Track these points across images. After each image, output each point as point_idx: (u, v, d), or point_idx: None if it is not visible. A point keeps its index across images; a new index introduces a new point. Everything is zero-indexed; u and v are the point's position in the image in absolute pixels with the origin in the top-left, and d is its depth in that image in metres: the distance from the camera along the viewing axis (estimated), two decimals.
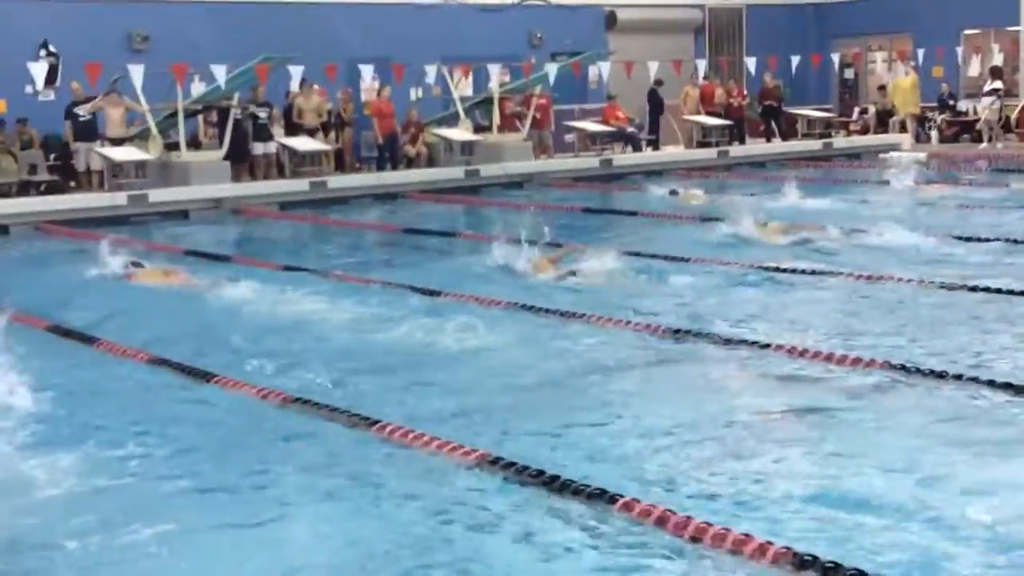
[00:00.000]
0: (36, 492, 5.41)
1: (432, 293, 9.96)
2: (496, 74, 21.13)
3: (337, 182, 18.88)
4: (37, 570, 4.60)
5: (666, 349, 7.81)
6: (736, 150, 23.47)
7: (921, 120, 25.28)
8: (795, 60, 24.01)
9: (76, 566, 4.63)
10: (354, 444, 5.95)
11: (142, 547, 4.75)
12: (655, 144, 23.89)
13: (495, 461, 5.42)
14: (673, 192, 17.19)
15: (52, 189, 17.96)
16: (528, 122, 21.59)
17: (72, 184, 18.42)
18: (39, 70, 17.77)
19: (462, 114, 20.98)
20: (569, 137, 23.31)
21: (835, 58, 25.91)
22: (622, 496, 4.92)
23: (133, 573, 4.56)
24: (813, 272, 10.30)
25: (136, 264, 11.63)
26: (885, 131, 25.24)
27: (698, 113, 23.95)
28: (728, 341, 7.79)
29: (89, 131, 18.06)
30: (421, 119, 21.18)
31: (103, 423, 6.56)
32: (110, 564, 4.62)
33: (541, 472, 5.23)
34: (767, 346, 7.60)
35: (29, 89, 18.39)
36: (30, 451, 5.97)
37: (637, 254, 11.62)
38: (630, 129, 23.44)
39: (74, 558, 4.70)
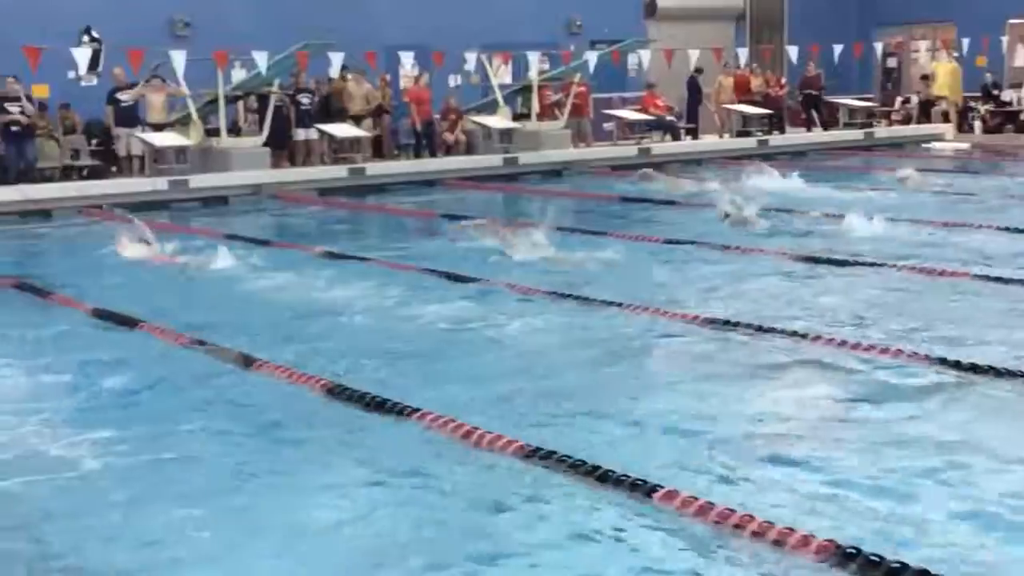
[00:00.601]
0: (78, 470, 5.46)
1: (467, 280, 9.98)
2: (535, 62, 21.09)
3: (375, 169, 18.92)
4: (77, 547, 4.63)
5: (704, 338, 7.75)
6: (776, 139, 23.30)
7: (964, 110, 25.00)
8: (837, 49, 23.78)
9: (112, 544, 4.66)
10: (392, 431, 5.95)
11: (177, 527, 4.79)
12: (694, 133, 23.77)
13: (534, 451, 5.41)
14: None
15: (94, 174, 18.10)
16: (567, 110, 21.54)
17: (113, 169, 18.55)
18: (82, 56, 17.87)
19: (501, 102, 20.95)
20: (608, 125, 23.24)
21: (878, 47, 25.66)
22: (661, 486, 4.90)
23: (165, 553, 4.58)
24: (872, 263, 10.21)
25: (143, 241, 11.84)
26: (928, 121, 24.99)
27: (732, 102, 23.80)
28: (765, 330, 7.74)
29: (130, 117, 18.19)
30: (460, 106, 21.17)
31: (143, 404, 6.62)
32: (144, 543, 4.65)
33: (581, 462, 5.21)
34: (805, 336, 7.54)
35: (72, 74, 18.51)
36: (72, 429, 6.03)
37: (672, 242, 11.61)
38: (669, 118, 23.33)
39: (111, 535, 4.75)
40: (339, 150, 19.35)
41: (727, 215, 12.92)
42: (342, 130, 19.41)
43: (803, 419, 6.05)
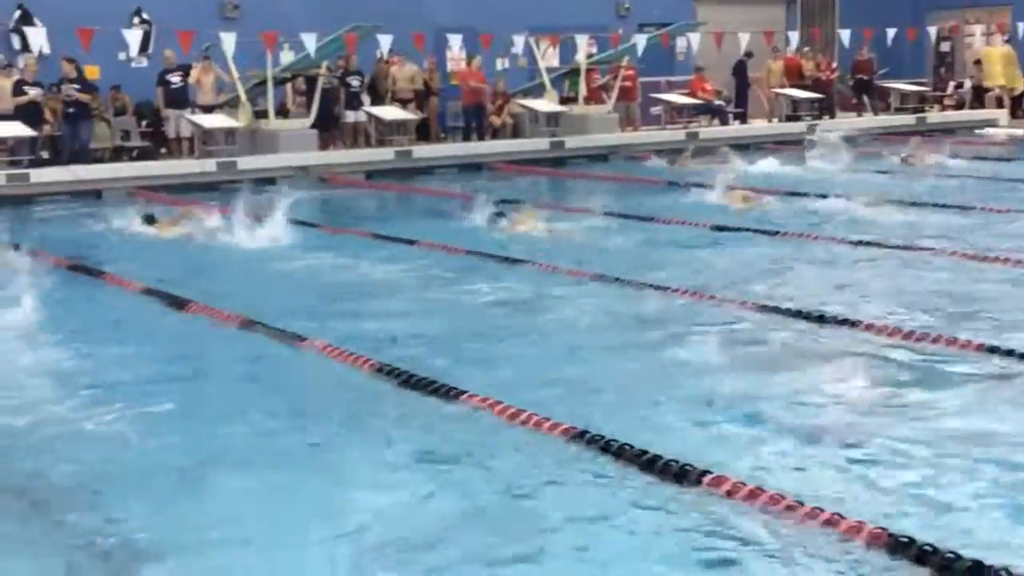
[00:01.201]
0: (130, 444, 5.52)
1: (514, 261, 9.98)
2: (583, 45, 20.98)
3: (422, 152, 18.94)
4: (127, 517, 4.67)
5: (753, 323, 7.70)
6: (825, 124, 23.04)
7: (1020, 96, 24.59)
8: (890, 32, 23.46)
9: (164, 516, 4.71)
10: (439, 412, 5.95)
11: (226, 504, 4.85)
12: (743, 117, 23.57)
13: (581, 435, 5.38)
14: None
15: (143, 155, 18.25)
16: (614, 93, 21.43)
17: (163, 151, 18.69)
18: (133, 37, 18.03)
19: (548, 85, 20.88)
20: (655, 110, 23.11)
21: (931, 31, 25.30)
22: (710, 471, 4.86)
23: (215, 530, 4.60)
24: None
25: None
26: (981, 106, 24.62)
27: (782, 86, 23.56)
28: (825, 318, 7.67)
29: (180, 98, 18.31)
30: (507, 90, 21.12)
31: (194, 381, 6.67)
32: (194, 517, 4.69)
33: (628, 447, 5.18)
34: (857, 324, 7.46)
35: (123, 56, 18.66)
36: (125, 405, 6.11)
37: (719, 228, 11.57)
38: (717, 102, 23.16)
39: (158, 507, 4.80)
40: (385, 132, 19.38)
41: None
42: (389, 112, 19.44)
43: (851, 406, 5.98)
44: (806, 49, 24.48)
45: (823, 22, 27.02)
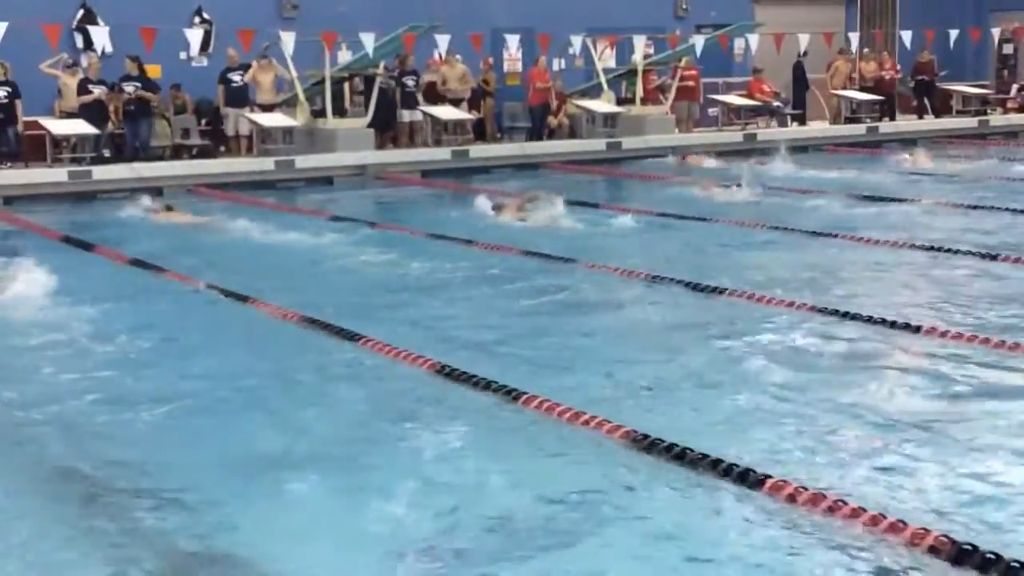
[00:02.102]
0: (196, 446, 5.58)
1: (569, 261, 10.00)
2: (640, 46, 20.91)
3: (479, 151, 18.97)
4: (176, 499, 4.73)
5: (810, 326, 7.62)
6: (886, 126, 22.81)
7: None
8: (952, 34, 23.14)
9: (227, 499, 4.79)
10: (497, 413, 5.95)
11: (287, 497, 4.88)
12: (801, 119, 23.38)
13: (642, 437, 5.36)
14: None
15: (202, 153, 18.44)
16: (672, 94, 21.35)
17: (221, 149, 18.87)
18: (194, 36, 18.23)
19: (605, 86, 20.83)
20: (713, 111, 22.98)
21: (994, 32, 24.94)
22: (770, 476, 4.82)
23: (281, 518, 4.66)
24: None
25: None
26: None
27: (845, 88, 23.34)
28: (869, 320, 7.61)
29: (241, 97, 18.47)
30: (564, 90, 21.11)
31: (250, 377, 6.73)
32: (262, 507, 4.74)
33: (688, 450, 5.16)
34: (908, 326, 7.39)
35: (183, 55, 18.87)
36: (183, 391, 6.22)
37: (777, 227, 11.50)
38: (775, 103, 22.98)
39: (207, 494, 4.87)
40: (442, 132, 19.44)
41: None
42: (446, 112, 19.49)
43: (910, 411, 5.91)
44: (866, 50, 24.23)
45: (883, 23, 26.72)
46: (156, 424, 5.92)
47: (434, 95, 19.93)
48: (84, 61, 17.89)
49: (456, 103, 19.85)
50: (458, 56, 19.91)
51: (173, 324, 8.27)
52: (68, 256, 11.03)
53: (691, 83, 21.69)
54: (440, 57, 19.66)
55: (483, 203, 13.31)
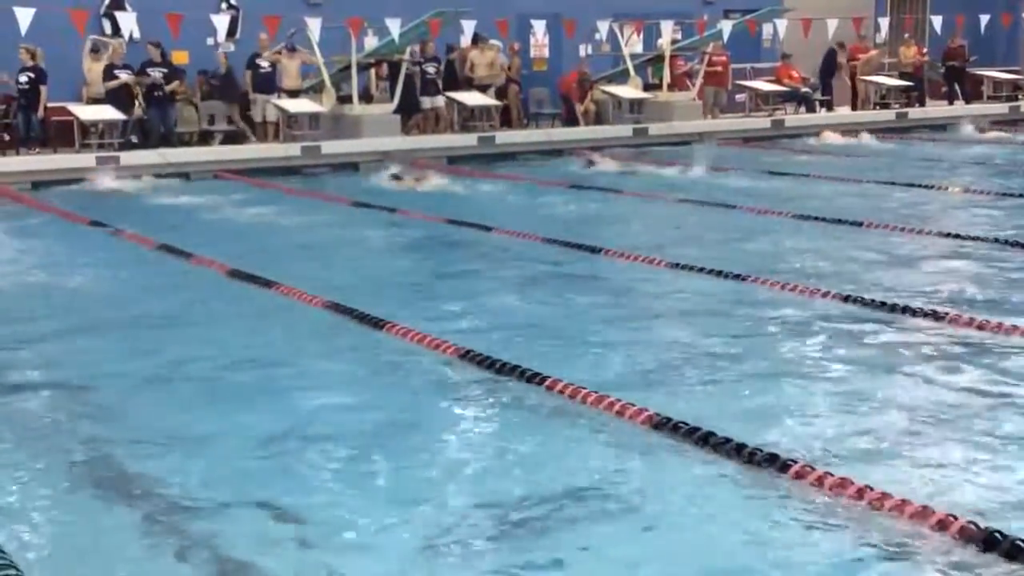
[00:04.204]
0: (220, 442, 5.58)
1: (590, 249, 9.98)
2: (668, 31, 20.79)
3: (505, 137, 18.92)
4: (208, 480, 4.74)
5: (840, 315, 7.57)
6: (915, 112, 22.61)
7: None
8: (984, 19, 22.89)
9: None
10: (521, 397, 5.94)
11: (316, 477, 4.91)
12: (829, 105, 23.20)
13: (665, 421, 5.33)
14: None
15: (229, 139, 18.47)
16: (699, 80, 21.23)
17: (248, 134, 18.89)
18: (221, 23, 18.24)
19: (632, 71, 20.73)
20: (740, 97, 22.84)
21: None
22: (795, 461, 4.79)
23: (315, 495, 4.67)
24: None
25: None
26: None
27: (875, 73, 23.15)
28: (900, 309, 7.54)
29: (269, 83, 18.47)
30: (591, 76, 21.02)
31: (271, 363, 6.74)
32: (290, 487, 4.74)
33: (711, 434, 5.13)
34: (940, 316, 7.32)
35: (211, 41, 18.89)
36: (214, 383, 6.22)
37: (801, 216, 11.42)
38: (804, 89, 22.81)
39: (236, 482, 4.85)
40: (468, 118, 19.39)
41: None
42: (472, 98, 19.44)
43: (941, 400, 5.85)
44: (906, 35, 23.99)
45: (913, 8, 26.46)
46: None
47: (458, 81, 19.89)
48: (109, 47, 17.92)
49: (483, 89, 19.80)
50: (493, 41, 19.82)
51: (190, 308, 8.29)
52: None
53: (719, 69, 21.56)
54: (472, 41, 19.59)
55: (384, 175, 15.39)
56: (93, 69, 17.33)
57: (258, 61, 18.37)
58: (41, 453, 5.28)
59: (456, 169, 16.83)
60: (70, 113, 16.75)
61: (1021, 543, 4.02)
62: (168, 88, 17.47)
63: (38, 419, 5.83)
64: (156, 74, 17.32)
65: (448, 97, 19.58)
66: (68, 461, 5.19)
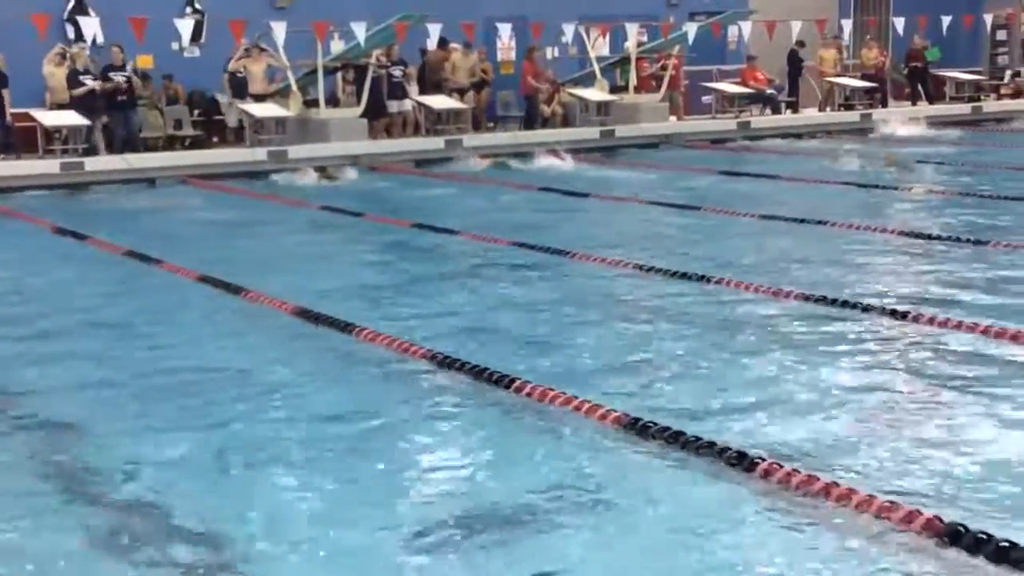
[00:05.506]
0: (186, 448, 5.56)
1: (558, 252, 10.00)
2: (633, 34, 20.88)
3: (472, 141, 18.92)
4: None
5: (803, 314, 7.63)
6: (879, 113, 22.80)
7: None
8: (945, 20, 23.11)
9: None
10: (490, 400, 5.95)
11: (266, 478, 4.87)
12: (794, 106, 23.36)
13: (633, 422, 5.36)
14: None
15: (196, 144, 18.38)
16: (665, 83, 21.33)
17: (215, 139, 18.81)
18: (185, 27, 18.13)
19: (598, 74, 20.80)
20: (707, 99, 22.96)
21: (987, 19, 24.92)
22: (762, 459, 4.82)
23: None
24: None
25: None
26: None
27: (836, 75, 23.33)
28: (863, 307, 7.62)
29: (242, 87, 18.40)
30: (557, 79, 21.07)
31: (239, 368, 6.72)
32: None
33: (680, 433, 5.16)
34: (902, 314, 7.40)
35: (175, 46, 18.78)
36: (181, 389, 6.17)
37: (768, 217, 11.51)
38: (769, 91, 22.95)
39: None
40: (436, 122, 19.39)
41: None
42: (439, 102, 19.44)
43: (902, 395, 5.93)
44: (867, 37, 24.18)
45: (877, 10, 26.68)
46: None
47: (432, 85, 19.90)
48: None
49: (461, 93, 19.82)
50: (468, 47, 19.86)
51: (160, 314, 8.26)
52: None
53: (674, 72, 21.66)
54: (439, 45, 19.60)
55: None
56: (55, 75, 17.20)
57: (228, 68, 18.29)
58: None
59: (423, 171, 16.86)
60: (33, 119, 16.62)
61: (984, 536, 4.08)
62: (145, 93, 17.37)
63: None
64: (119, 78, 17.19)
65: (416, 101, 19.57)
66: (25, 471, 5.16)
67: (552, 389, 5.85)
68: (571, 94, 20.80)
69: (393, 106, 19.38)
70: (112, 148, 17.08)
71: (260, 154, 17.08)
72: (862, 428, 5.43)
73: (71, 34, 18.31)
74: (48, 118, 16.65)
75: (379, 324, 7.41)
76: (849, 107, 22.92)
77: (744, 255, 9.90)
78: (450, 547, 4.26)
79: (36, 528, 4.54)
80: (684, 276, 8.81)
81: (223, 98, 18.87)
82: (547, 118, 20.74)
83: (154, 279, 9.48)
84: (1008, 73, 26.04)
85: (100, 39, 17.57)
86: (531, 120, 20.51)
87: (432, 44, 19.37)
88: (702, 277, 8.71)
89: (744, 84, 22.74)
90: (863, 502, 4.40)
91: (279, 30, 17.48)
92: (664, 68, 21.38)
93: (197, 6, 19.60)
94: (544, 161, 17.69)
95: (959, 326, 7.08)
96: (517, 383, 6.01)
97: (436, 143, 18.54)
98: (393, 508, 4.64)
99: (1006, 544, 4.01)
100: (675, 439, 5.13)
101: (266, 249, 11.06)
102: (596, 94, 20.52)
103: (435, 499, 4.73)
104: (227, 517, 4.57)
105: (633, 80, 21.07)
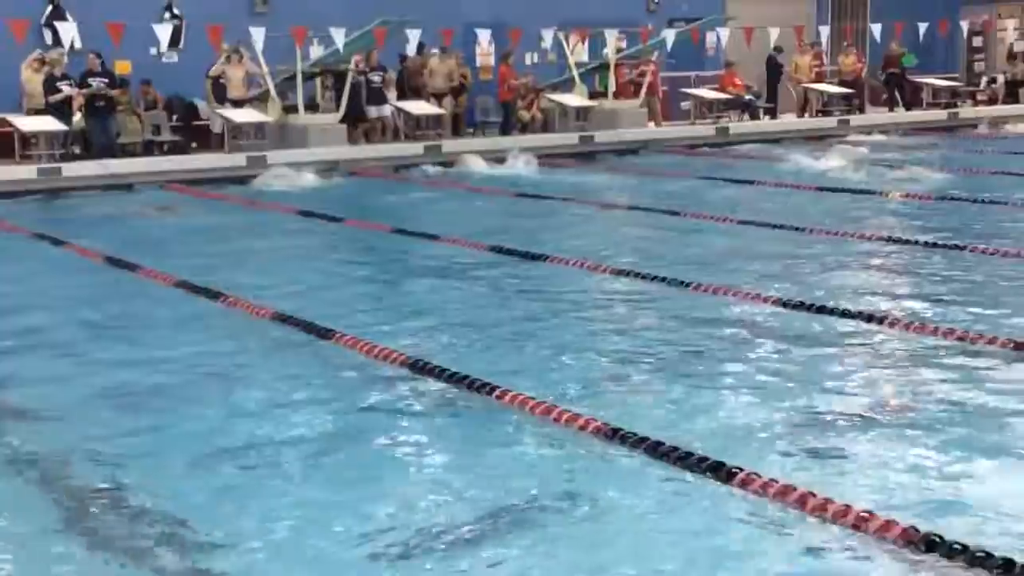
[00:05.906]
0: (166, 454, 5.53)
1: (536, 258, 10.00)
2: (612, 40, 20.92)
3: (451, 146, 18.92)
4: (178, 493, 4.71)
5: (779, 319, 7.67)
6: (857, 119, 22.91)
7: None
8: (922, 27, 23.23)
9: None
10: (472, 407, 5.95)
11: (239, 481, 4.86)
12: (773, 112, 23.45)
13: (614, 431, 5.37)
14: None
15: (175, 149, 18.32)
16: (644, 89, 21.38)
17: (193, 145, 18.75)
18: (163, 32, 18.06)
19: (577, 80, 20.84)
20: (685, 105, 23.03)
21: (964, 25, 25.08)
22: (741, 469, 4.84)
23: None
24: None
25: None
26: (1015, 101, 24.40)
27: (812, 81, 23.44)
28: (845, 314, 7.65)
29: (223, 93, 18.34)
30: (536, 84, 21.09)
31: (218, 374, 6.71)
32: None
33: (659, 443, 5.17)
34: (883, 320, 7.43)
35: (153, 51, 18.70)
36: (160, 395, 6.14)
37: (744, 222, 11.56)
38: (747, 97, 23.03)
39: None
40: (415, 127, 19.38)
41: None
42: (418, 107, 19.44)
43: (880, 403, 5.96)
44: (845, 44, 24.28)
45: (854, 16, 26.81)
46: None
47: (412, 90, 19.89)
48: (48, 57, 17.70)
49: (439, 98, 19.81)
50: (447, 52, 19.86)
51: (136, 318, 8.23)
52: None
53: (651, 78, 21.70)
54: (422, 49, 19.59)
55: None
56: (33, 80, 17.11)
57: (210, 73, 18.23)
58: None
59: (401, 176, 16.86)
60: (10, 124, 16.53)
61: (959, 545, 4.10)
62: (110, 95, 17.25)
63: None
64: (97, 84, 17.11)
65: (395, 106, 19.56)
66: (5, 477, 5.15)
67: (531, 397, 5.86)
68: (550, 99, 20.83)
69: (372, 111, 19.35)
70: (90, 153, 17.01)
71: (239, 159, 17.03)
72: (842, 436, 5.44)
73: (48, 39, 18.22)
74: (24, 123, 16.56)
75: (357, 329, 7.40)
76: (827, 113, 23.02)
77: (723, 259, 9.93)
78: (425, 553, 4.26)
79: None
80: (663, 280, 8.84)
81: (203, 104, 18.82)
82: (526, 124, 20.74)
83: (131, 285, 9.45)
84: (984, 79, 26.20)
85: (78, 44, 17.48)
86: (507, 126, 20.48)
87: (411, 50, 19.34)
88: (680, 282, 8.74)
89: (723, 90, 22.79)
90: (839, 512, 4.42)
91: (257, 35, 17.44)
92: (643, 74, 21.43)
93: (175, 11, 19.52)
94: (518, 163, 17.60)
95: (935, 331, 7.12)
96: (496, 390, 6.02)
97: (415, 148, 18.53)
98: (369, 514, 4.63)
99: (981, 554, 4.04)
100: (654, 449, 5.14)
101: (245, 254, 11.03)
102: (575, 100, 20.56)
103: (410, 505, 4.72)
104: (196, 521, 4.56)
105: (612, 86, 21.10)
